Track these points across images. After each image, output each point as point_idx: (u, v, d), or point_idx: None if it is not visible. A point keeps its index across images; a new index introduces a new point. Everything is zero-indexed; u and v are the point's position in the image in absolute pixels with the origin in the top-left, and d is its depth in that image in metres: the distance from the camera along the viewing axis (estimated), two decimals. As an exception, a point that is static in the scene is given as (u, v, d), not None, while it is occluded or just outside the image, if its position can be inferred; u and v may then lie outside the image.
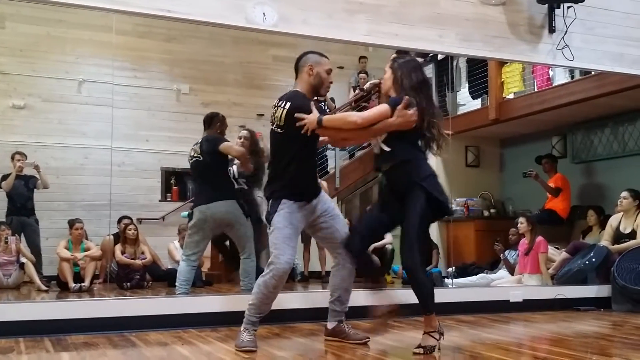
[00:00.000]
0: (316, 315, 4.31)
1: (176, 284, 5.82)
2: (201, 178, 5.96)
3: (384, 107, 3.76)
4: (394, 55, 4.09)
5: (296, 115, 3.78)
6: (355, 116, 3.80)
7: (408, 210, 3.75)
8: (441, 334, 3.82)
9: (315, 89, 4.00)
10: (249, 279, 5.79)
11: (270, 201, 3.92)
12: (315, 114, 3.76)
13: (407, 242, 3.80)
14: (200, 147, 5.86)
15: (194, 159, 5.91)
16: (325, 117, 3.76)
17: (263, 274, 3.89)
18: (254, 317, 3.91)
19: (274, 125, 3.92)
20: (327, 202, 4.14)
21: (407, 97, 3.75)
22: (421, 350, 3.72)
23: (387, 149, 3.82)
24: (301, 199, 3.93)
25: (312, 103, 3.85)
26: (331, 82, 4.08)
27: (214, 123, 6.07)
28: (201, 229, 5.80)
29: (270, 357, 3.73)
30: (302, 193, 3.96)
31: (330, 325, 4.14)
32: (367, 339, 4.06)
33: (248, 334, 3.85)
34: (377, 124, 3.75)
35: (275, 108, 3.92)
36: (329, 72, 4.04)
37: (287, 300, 5.02)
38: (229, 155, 5.92)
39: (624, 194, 6.79)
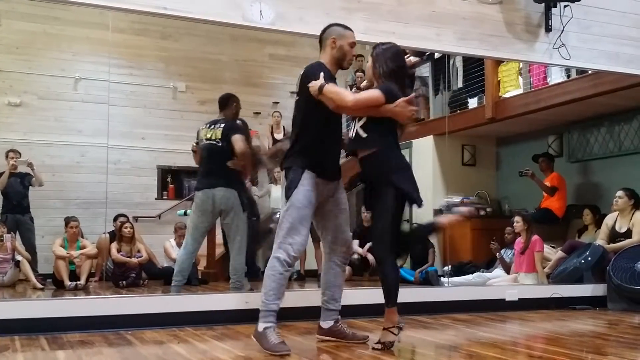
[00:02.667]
0: (312, 313, 4.30)
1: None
2: (213, 163, 5.81)
3: (376, 93, 3.74)
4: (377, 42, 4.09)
5: (309, 84, 3.78)
6: (350, 97, 3.73)
7: (378, 204, 3.79)
8: (400, 329, 3.83)
9: (338, 61, 3.97)
10: (237, 276, 5.75)
11: (291, 172, 3.82)
12: (320, 80, 3.72)
13: (376, 234, 3.84)
14: (221, 132, 5.74)
15: (210, 142, 5.78)
16: (326, 86, 3.71)
17: (274, 254, 3.78)
18: (274, 304, 3.76)
19: (295, 95, 4.00)
20: (343, 192, 4.09)
21: (414, 93, 3.86)
22: (380, 346, 3.76)
23: (363, 134, 3.83)
24: (323, 174, 3.88)
25: (321, 72, 3.80)
26: (354, 56, 4.12)
27: (230, 104, 5.98)
28: (203, 211, 5.73)
29: (266, 355, 3.72)
30: (324, 167, 3.89)
31: (325, 324, 4.09)
32: (367, 338, 4.05)
33: (274, 335, 3.70)
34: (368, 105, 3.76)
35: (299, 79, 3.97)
36: (352, 45, 3.99)
37: (284, 299, 5.02)
38: None
39: (619, 193, 6.80)
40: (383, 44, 4.01)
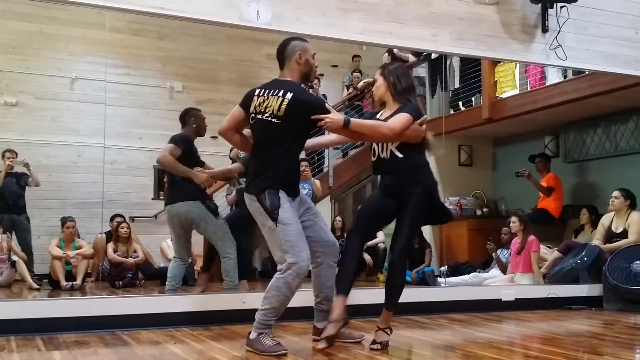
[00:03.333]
0: (310, 314, 4.30)
1: None
2: (170, 177, 5.91)
3: (407, 117, 3.83)
4: (385, 62, 4.14)
5: (314, 116, 3.75)
6: (386, 128, 3.79)
7: (410, 208, 3.88)
8: (391, 330, 3.96)
9: (305, 76, 3.97)
10: (229, 277, 5.72)
11: (267, 194, 3.72)
12: (340, 115, 3.82)
13: (402, 241, 3.93)
14: None
15: None
16: (354, 121, 3.78)
17: (281, 275, 3.73)
18: (271, 320, 3.76)
19: (267, 115, 3.79)
20: (307, 200, 4.13)
21: (424, 115, 3.94)
22: (378, 346, 3.84)
23: (400, 155, 3.90)
24: (293, 193, 3.88)
25: (325, 102, 3.95)
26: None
27: (188, 119, 5.89)
28: (174, 227, 5.76)
29: (263, 357, 3.72)
30: (295, 188, 3.93)
31: (320, 325, 4.08)
32: (362, 337, 4.06)
33: (268, 338, 3.70)
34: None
35: (267, 97, 3.83)
36: (314, 57, 3.99)
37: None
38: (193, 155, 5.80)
39: (616, 193, 6.81)
40: (391, 64, 4.18)
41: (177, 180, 5.72)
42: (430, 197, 3.94)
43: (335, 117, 3.74)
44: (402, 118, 3.82)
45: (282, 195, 3.76)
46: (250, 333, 3.76)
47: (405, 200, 3.89)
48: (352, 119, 3.78)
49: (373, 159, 4.06)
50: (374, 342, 3.86)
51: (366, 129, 3.82)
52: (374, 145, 4.01)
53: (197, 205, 5.66)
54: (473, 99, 9.07)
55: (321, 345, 3.82)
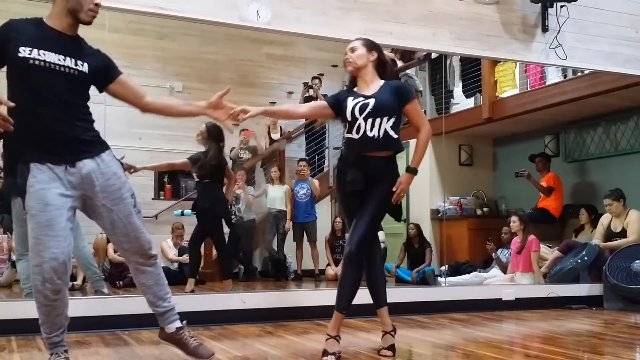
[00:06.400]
0: (310, 313, 4.31)
1: None
2: None
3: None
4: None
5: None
6: (427, 132, 3.67)
7: (374, 203, 3.58)
8: (395, 330, 3.82)
9: (73, 12, 3.25)
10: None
11: None
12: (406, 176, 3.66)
13: (366, 234, 3.57)
14: None
15: None
16: (414, 164, 3.65)
17: None
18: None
19: None
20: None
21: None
22: (390, 353, 3.69)
23: (394, 135, 3.59)
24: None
25: None
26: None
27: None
28: None
29: (263, 356, 3.72)
30: None
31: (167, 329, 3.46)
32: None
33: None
34: None
35: None
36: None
37: (281, 299, 5.02)
38: None
39: (607, 200, 6.78)
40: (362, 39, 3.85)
41: None
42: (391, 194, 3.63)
43: (405, 183, 3.59)
44: (419, 107, 3.75)
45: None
46: None
47: (375, 187, 3.57)
48: (413, 166, 3.62)
49: (355, 136, 3.60)
50: (384, 348, 3.71)
51: (421, 153, 3.67)
52: (359, 121, 3.58)
53: None
54: (459, 102, 9.13)
55: None
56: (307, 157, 9.83)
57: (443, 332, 4.71)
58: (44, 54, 3.04)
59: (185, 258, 7.58)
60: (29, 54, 3.02)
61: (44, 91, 3.00)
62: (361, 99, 3.63)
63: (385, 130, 3.56)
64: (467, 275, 7.62)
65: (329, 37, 5.18)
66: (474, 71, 8.66)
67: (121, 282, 7.44)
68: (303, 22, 4.92)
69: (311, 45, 9.66)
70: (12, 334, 4.22)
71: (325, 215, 9.65)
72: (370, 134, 3.56)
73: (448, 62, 8.99)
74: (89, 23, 3.21)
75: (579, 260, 6.69)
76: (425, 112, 9.67)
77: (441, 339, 4.44)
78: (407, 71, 9.86)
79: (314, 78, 10.38)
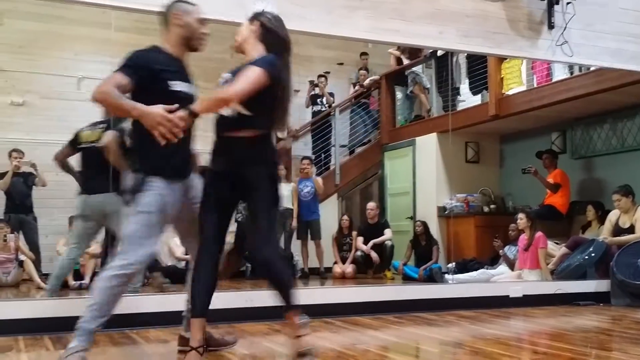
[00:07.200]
0: (316, 311, 4.30)
1: None
2: (93, 167, 5.65)
3: (257, 73, 3.14)
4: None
5: None
6: (227, 94, 3.12)
7: (259, 198, 3.22)
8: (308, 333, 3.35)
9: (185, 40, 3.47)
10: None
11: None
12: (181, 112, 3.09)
13: (263, 234, 3.23)
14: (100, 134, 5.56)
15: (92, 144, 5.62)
16: (198, 105, 3.14)
17: None
18: None
19: None
20: None
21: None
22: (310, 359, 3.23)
23: (247, 112, 3.13)
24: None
25: None
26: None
27: None
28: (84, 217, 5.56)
29: (270, 353, 3.73)
30: None
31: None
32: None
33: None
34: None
35: None
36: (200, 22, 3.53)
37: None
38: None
39: (615, 196, 6.80)
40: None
41: (96, 172, 5.56)
42: (273, 181, 3.29)
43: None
44: (251, 75, 3.13)
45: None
46: None
47: (242, 182, 3.22)
48: (193, 107, 3.08)
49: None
50: (299, 354, 3.23)
51: (208, 101, 3.13)
52: None
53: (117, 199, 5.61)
54: (465, 99, 9.12)
55: None
56: (313, 156, 9.83)
57: (450, 330, 4.70)
58: (180, 84, 3.28)
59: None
60: (176, 87, 3.24)
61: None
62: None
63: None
64: (474, 272, 7.62)
65: (334, 36, 5.17)
66: (480, 68, 8.65)
67: (129, 281, 7.45)
68: (309, 20, 4.91)
69: (317, 44, 9.66)
70: (20, 333, 4.23)
71: (331, 213, 9.67)
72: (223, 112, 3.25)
73: (454, 59, 8.98)
74: (198, 50, 3.50)
75: (586, 257, 6.68)
76: (431, 109, 9.70)
77: (449, 336, 4.44)
78: (414, 69, 9.86)
79: (319, 76, 10.40)
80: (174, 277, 5.91)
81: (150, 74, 3.22)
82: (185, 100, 3.15)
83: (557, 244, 7.48)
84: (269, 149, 3.35)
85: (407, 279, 8.23)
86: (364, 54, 10.85)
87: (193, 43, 3.44)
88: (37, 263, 7.74)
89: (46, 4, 8.66)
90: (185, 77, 3.37)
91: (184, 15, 3.42)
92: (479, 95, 9.00)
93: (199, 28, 3.45)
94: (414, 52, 9.83)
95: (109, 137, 5.30)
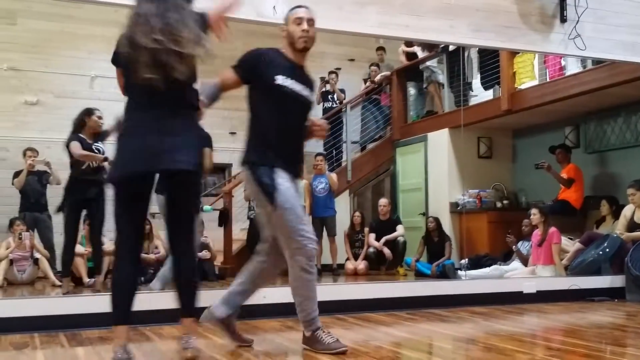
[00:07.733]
0: (329, 307, 4.30)
1: None
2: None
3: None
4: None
5: None
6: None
7: (192, 200, 3.42)
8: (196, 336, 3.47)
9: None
10: None
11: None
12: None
13: (190, 232, 3.37)
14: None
15: None
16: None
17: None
18: (313, 311, 3.61)
19: None
20: None
21: None
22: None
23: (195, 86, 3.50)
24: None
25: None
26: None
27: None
28: None
29: (284, 351, 3.74)
30: None
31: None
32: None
33: (326, 335, 3.53)
34: None
35: None
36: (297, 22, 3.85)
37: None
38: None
39: (630, 190, 6.75)
40: None
41: None
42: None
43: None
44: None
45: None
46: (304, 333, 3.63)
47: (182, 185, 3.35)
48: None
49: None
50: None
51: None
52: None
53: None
54: (478, 94, 9.09)
55: None
56: (325, 152, 9.83)
57: (464, 326, 4.69)
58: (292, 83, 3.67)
59: (205, 254, 7.63)
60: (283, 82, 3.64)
61: (291, 115, 3.66)
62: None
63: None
64: (488, 268, 7.60)
65: (345, 32, 5.16)
66: (492, 63, 8.61)
67: (142, 279, 7.47)
68: (319, 16, 4.86)
69: (327, 40, 9.65)
70: (35, 330, 4.26)
71: (344, 209, 9.66)
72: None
73: (466, 54, 8.94)
74: (304, 49, 3.80)
75: (601, 252, 6.64)
76: (443, 105, 9.66)
77: (462, 333, 4.42)
78: (429, 64, 9.82)
79: (330, 72, 10.39)
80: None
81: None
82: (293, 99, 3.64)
83: (571, 239, 7.44)
84: None
85: (420, 275, 8.22)
86: (380, 48, 10.81)
87: (296, 46, 3.78)
88: (51, 261, 7.79)
89: (59, 4, 8.71)
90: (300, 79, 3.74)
91: (285, 24, 3.84)
92: (491, 90, 8.95)
93: (296, 30, 3.77)
94: (430, 45, 9.77)
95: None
